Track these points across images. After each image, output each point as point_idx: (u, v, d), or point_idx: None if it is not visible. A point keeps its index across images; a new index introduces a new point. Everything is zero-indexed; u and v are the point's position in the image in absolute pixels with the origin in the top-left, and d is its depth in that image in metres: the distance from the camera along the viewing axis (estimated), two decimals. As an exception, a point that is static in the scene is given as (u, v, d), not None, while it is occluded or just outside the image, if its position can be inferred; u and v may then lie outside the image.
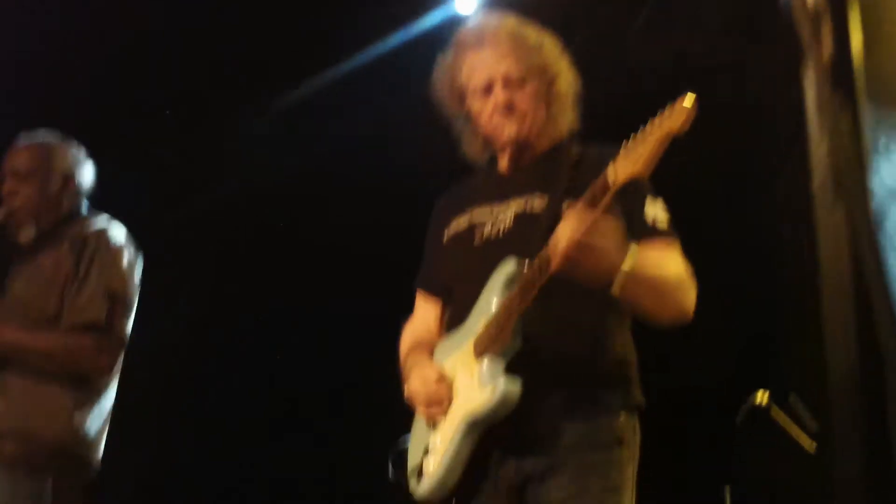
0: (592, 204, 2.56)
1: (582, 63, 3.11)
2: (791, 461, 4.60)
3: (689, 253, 2.86)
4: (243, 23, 5.77)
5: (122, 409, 3.99)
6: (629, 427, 2.88)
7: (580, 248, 2.55)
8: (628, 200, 2.81)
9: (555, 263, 2.58)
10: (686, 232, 2.87)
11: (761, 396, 4.65)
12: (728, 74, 5.24)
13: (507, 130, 3.00)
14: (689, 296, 2.80)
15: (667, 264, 2.79)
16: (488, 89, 3.00)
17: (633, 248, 2.61)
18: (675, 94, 2.42)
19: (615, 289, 2.61)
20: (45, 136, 4.10)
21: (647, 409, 2.93)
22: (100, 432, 3.89)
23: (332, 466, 6.42)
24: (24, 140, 4.08)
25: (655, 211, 2.87)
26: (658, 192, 2.91)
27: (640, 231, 2.82)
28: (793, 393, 4.55)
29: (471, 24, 3.12)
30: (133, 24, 5.64)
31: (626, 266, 2.59)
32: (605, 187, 2.55)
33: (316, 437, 6.37)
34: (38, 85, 5.62)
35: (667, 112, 2.43)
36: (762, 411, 4.65)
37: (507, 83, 2.99)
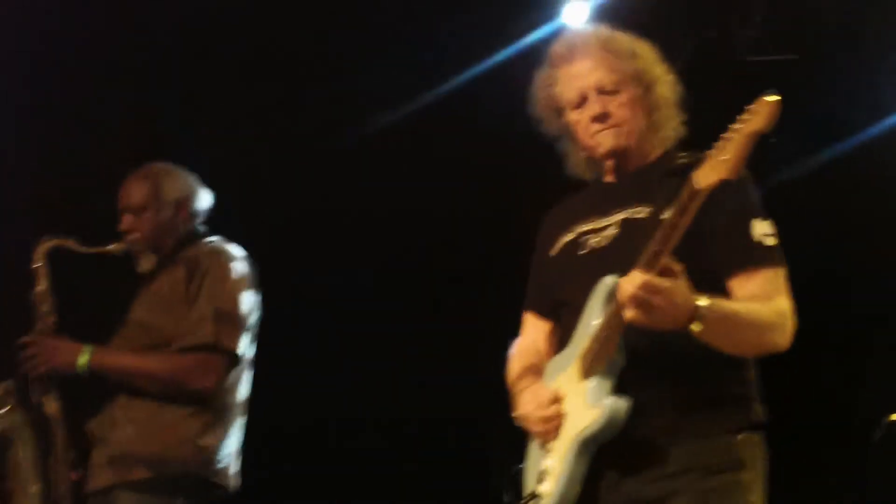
0: (681, 213, 2.54)
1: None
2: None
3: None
4: (347, 35, 5.83)
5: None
6: (750, 447, 2.79)
7: (642, 307, 2.54)
8: (734, 220, 2.77)
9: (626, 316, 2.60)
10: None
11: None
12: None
13: (605, 142, 2.94)
14: (779, 336, 2.75)
15: (759, 305, 2.73)
16: (582, 101, 2.95)
17: (702, 307, 2.58)
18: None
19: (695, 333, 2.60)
20: (154, 167, 4.19)
21: (774, 426, 2.83)
22: (230, 453, 3.92)
23: (449, 492, 6.36)
24: (134, 174, 4.16)
25: (763, 234, 2.80)
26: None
27: (743, 256, 2.78)
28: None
29: (562, 38, 3.08)
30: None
31: (696, 326, 2.58)
32: (693, 194, 2.53)
33: (432, 463, 6.32)
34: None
35: (749, 112, 2.43)
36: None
37: (601, 93, 2.93)
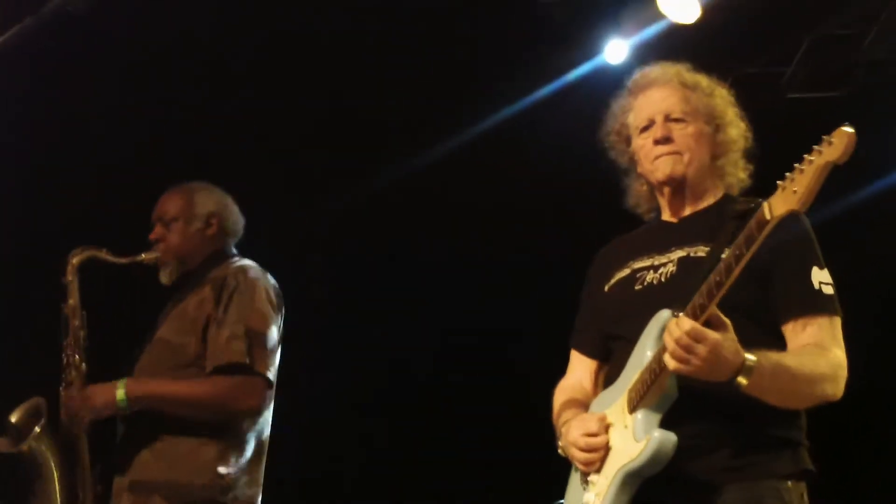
0: (749, 243, 2.50)
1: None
2: None
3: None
4: (392, 77, 5.85)
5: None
6: (796, 495, 2.75)
7: (686, 358, 2.51)
8: (794, 265, 2.76)
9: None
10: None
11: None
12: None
13: (662, 167, 2.93)
14: (830, 388, 2.73)
15: (810, 357, 2.70)
16: (649, 125, 2.96)
17: (749, 363, 2.54)
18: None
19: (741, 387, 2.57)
20: (191, 183, 4.16)
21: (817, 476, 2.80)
22: (249, 481, 3.86)
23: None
24: (172, 189, 4.14)
25: (821, 282, 2.77)
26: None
27: (801, 303, 2.76)
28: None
29: (644, 69, 3.10)
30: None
31: (743, 380, 2.55)
32: (761, 224, 2.48)
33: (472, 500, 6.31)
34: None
35: (824, 143, 2.39)
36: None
37: (668, 119, 2.94)
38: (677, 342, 2.50)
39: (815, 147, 2.39)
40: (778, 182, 2.47)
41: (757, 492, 2.68)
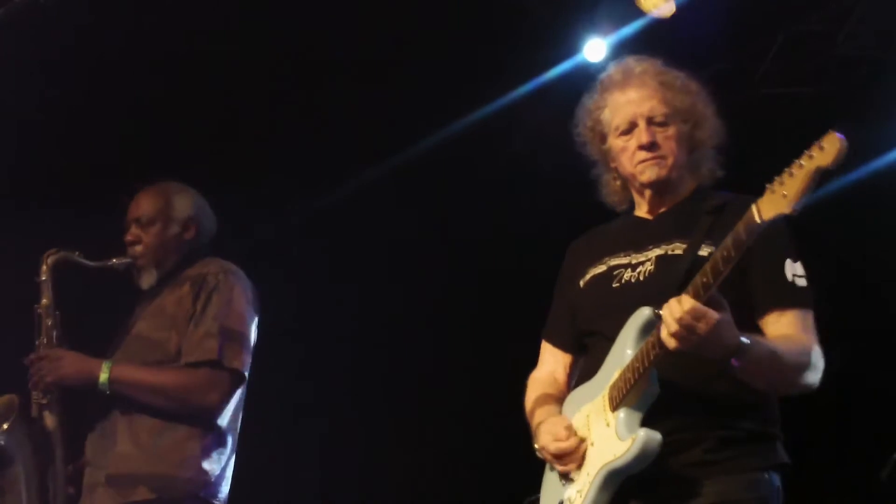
0: (738, 246, 2.50)
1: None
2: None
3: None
4: (366, 77, 5.87)
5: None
6: (772, 487, 2.78)
7: (687, 337, 2.53)
8: (769, 258, 2.77)
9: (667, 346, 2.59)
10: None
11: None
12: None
13: (649, 172, 2.94)
14: (811, 376, 2.77)
15: (791, 344, 2.74)
16: (631, 128, 2.95)
17: (745, 344, 2.58)
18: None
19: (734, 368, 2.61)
20: (167, 183, 4.14)
21: (792, 467, 2.83)
22: (227, 474, 3.89)
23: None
24: (145, 188, 4.11)
25: (795, 275, 2.80)
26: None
27: (776, 296, 2.79)
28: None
29: (617, 65, 3.07)
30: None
31: (736, 363, 2.58)
32: (752, 228, 2.48)
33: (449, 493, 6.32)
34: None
35: (815, 148, 2.38)
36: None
37: (651, 123, 2.93)
38: (680, 321, 2.51)
39: (806, 151, 2.39)
40: (766, 185, 2.46)
41: (733, 485, 2.71)
